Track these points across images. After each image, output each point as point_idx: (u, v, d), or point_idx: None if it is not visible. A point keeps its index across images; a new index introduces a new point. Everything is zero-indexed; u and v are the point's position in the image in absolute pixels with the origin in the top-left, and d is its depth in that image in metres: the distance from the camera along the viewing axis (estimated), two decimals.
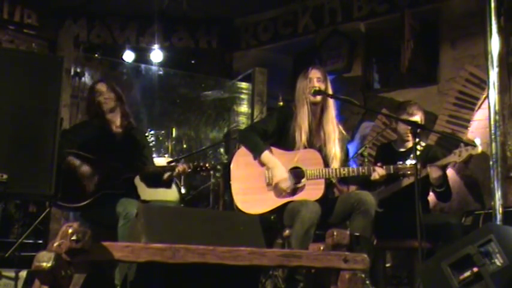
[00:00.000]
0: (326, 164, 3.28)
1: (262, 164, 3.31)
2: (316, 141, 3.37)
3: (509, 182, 4.70)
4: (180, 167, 3.51)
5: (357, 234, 3.03)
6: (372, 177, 3.26)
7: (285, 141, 3.39)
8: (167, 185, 3.80)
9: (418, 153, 3.14)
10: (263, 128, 3.41)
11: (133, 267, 2.22)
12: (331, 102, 3.44)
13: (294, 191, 3.25)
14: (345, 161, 3.48)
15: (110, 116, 3.58)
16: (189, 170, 3.56)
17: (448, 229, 3.38)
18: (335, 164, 3.29)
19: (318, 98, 3.36)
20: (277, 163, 3.26)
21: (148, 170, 3.53)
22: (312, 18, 6.50)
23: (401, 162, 3.33)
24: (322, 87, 3.37)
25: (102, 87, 3.60)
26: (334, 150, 3.32)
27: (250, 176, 3.32)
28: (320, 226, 3.07)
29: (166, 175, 3.53)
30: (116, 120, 3.61)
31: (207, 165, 3.60)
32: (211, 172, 5.40)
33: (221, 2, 6.59)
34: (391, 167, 3.27)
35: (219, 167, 5.38)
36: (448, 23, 5.52)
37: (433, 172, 3.46)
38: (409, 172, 3.29)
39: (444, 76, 5.47)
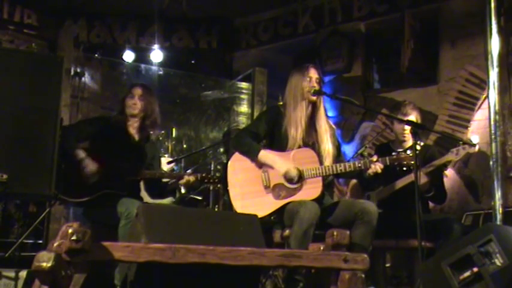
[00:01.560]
0: (320, 161, 3.28)
1: (261, 165, 3.30)
2: (309, 139, 3.35)
3: (509, 182, 4.70)
4: (187, 178, 3.49)
5: (354, 242, 3.03)
6: (370, 171, 3.25)
7: (277, 141, 3.37)
8: (171, 194, 3.81)
9: (416, 152, 3.13)
10: (254, 131, 3.40)
11: (133, 267, 2.22)
12: (322, 100, 3.44)
13: (292, 191, 3.24)
14: (338, 156, 3.48)
15: (131, 120, 3.61)
16: (196, 180, 3.54)
17: (449, 228, 3.38)
18: (328, 161, 3.28)
19: (315, 97, 3.37)
20: (276, 158, 3.26)
21: (155, 175, 3.52)
22: (312, 18, 6.49)
23: (394, 153, 3.32)
24: (318, 86, 3.39)
25: (136, 91, 3.62)
26: (328, 147, 3.31)
27: (247, 180, 3.30)
28: (320, 226, 3.07)
29: (171, 182, 3.54)
30: (136, 126, 3.62)
31: (215, 177, 3.58)
32: (212, 172, 5.41)
33: (221, 2, 6.58)
34: (387, 158, 3.26)
35: (219, 166, 5.38)
36: (448, 23, 5.52)
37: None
38: (404, 162, 3.28)
39: (444, 76, 5.47)
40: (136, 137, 3.63)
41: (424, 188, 3.51)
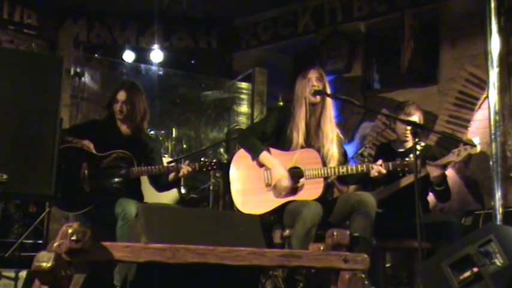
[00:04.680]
0: (324, 163, 3.28)
1: (261, 165, 3.32)
2: (314, 141, 3.37)
3: (509, 182, 4.70)
4: (185, 168, 3.47)
5: (357, 235, 3.03)
6: (372, 175, 3.25)
7: (282, 141, 3.39)
8: (175, 185, 3.81)
9: (417, 153, 3.13)
10: (261, 129, 3.42)
11: (133, 267, 2.22)
12: (329, 102, 3.43)
13: (293, 190, 3.25)
14: (344, 163, 3.47)
15: (120, 121, 3.61)
16: (194, 170, 3.52)
17: (449, 228, 3.38)
18: (332, 164, 3.29)
19: (318, 98, 3.36)
20: (275, 163, 3.27)
21: (152, 171, 3.52)
22: (312, 18, 6.49)
23: (398, 159, 3.32)
24: (321, 86, 3.38)
25: (121, 96, 3.55)
26: (332, 150, 3.32)
27: (249, 177, 3.33)
28: (321, 226, 3.07)
29: (171, 176, 3.52)
30: (126, 124, 3.61)
31: (212, 162, 3.52)
32: (211, 172, 5.40)
33: (221, 2, 6.59)
34: (390, 164, 3.26)
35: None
36: (448, 23, 5.52)
37: (433, 171, 3.45)
38: (407, 169, 3.28)
39: (444, 76, 5.47)
40: (128, 135, 3.62)
41: (438, 180, 3.48)
